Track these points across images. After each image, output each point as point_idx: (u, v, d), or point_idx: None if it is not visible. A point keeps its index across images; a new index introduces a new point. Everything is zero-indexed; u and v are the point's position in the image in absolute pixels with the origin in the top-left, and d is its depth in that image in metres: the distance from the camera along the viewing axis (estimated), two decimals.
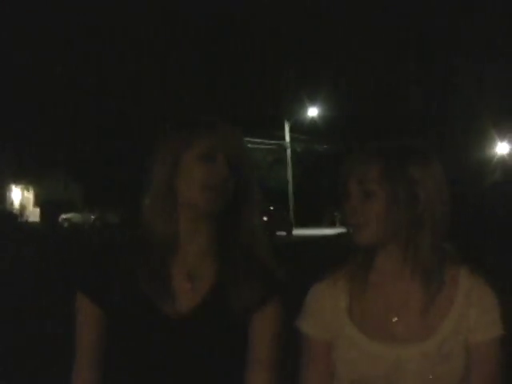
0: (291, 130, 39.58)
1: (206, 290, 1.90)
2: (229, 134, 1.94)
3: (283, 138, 39.56)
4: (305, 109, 39.33)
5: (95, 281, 1.89)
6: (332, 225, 36.06)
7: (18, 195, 45.71)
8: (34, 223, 38.65)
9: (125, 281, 1.87)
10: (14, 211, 42.11)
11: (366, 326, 1.92)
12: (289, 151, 39.49)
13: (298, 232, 33.05)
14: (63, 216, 39.39)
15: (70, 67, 37.22)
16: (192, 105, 32.45)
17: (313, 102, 38.98)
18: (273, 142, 39.45)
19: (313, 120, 39.24)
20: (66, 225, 38.30)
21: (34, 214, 42.86)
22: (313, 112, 39.32)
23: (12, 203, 44.42)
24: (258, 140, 37.60)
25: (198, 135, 1.90)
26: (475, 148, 33.30)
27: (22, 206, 44.35)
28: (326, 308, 1.97)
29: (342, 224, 2.04)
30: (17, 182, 44.79)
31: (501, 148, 36.44)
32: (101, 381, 1.91)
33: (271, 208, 32.94)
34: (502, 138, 35.71)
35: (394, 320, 1.90)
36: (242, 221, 1.95)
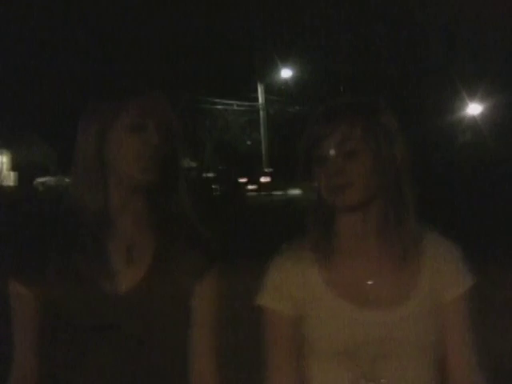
0: (264, 92, 39.55)
1: (146, 264, 1.84)
2: (157, 101, 1.88)
3: (256, 100, 39.55)
4: (278, 70, 39.29)
5: (27, 264, 1.82)
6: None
7: None
8: (9, 187, 38.51)
9: (60, 260, 1.80)
10: None
11: (345, 293, 1.84)
12: (262, 113, 39.51)
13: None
14: (38, 180, 39.28)
15: (47, 32, 36.85)
16: (163, 66, 32.26)
17: (286, 63, 38.95)
18: (246, 103, 39.44)
19: (286, 81, 39.25)
20: (40, 188, 38.24)
21: (8, 178, 42.65)
22: (286, 73, 39.31)
23: None
24: (231, 102, 37.63)
25: (126, 105, 1.84)
26: (445, 109, 33.56)
27: None
28: (293, 282, 1.87)
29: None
30: None
31: (472, 109, 36.73)
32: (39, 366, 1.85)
33: (271, 169, 33.57)
34: (473, 99, 35.98)
35: (369, 283, 1.84)
36: (174, 190, 1.90)
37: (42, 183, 38.88)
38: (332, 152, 1.80)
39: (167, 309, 1.82)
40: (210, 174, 28.44)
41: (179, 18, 35.99)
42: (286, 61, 38.60)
